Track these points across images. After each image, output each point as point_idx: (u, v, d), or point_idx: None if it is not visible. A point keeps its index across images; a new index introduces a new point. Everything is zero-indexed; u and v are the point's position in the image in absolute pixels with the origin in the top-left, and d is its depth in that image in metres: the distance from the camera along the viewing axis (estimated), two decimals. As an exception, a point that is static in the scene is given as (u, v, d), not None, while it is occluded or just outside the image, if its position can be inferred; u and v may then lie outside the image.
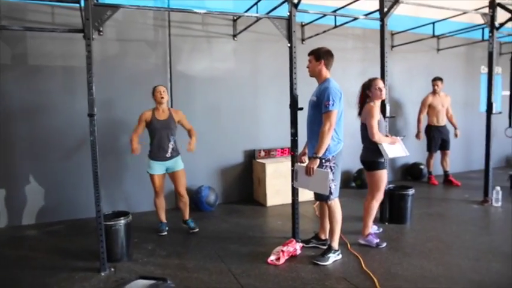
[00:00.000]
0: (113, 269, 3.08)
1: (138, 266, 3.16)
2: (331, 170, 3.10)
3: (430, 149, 5.91)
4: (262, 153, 5.24)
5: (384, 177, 3.51)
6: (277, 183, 4.89)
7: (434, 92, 5.84)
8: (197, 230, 3.98)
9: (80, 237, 3.88)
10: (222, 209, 4.89)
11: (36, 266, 3.19)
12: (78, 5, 3.12)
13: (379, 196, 3.54)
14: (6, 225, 4.28)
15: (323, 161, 3.08)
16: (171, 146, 3.81)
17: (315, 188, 3.15)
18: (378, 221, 4.06)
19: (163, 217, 4.03)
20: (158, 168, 3.83)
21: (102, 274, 3.00)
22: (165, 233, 3.94)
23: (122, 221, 3.29)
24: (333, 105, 2.96)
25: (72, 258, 3.34)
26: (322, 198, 3.24)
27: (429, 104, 5.83)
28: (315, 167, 3.02)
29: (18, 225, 4.30)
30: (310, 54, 3.22)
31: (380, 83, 3.47)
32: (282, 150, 5.33)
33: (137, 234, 3.77)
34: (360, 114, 3.57)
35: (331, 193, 3.11)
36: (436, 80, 5.81)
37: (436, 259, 3.15)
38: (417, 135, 5.87)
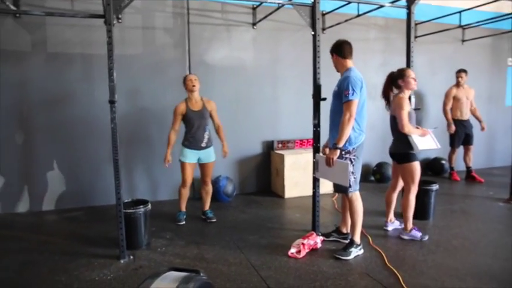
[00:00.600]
0: (131, 257, 3.08)
1: (157, 255, 3.14)
2: (351, 162, 3.04)
3: (453, 144, 5.73)
4: (281, 145, 5.16)
5: (417, 169, 3.39)
6: (296, 175, 4.82)
7: (458, 85, 5.65)
8: (215, 220, 3.96)
9: (99, 224, 3.90)
10: (240, 199, 4.84)
11: (57, 251, 3.21)
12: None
13: (415, 189, 3.44)
14: (28, 210, 4.33)
15: (343, 152, 3.02)
16: (206, 136, 3.80)
17: (335, 179, 3.12)
18: (400, 216, 3.94)
19: (183, 206, 3.99)
20: (191, 157, 3.80)
21: (122, 261, 3.00)
22: (183, 222, 3.90)
23: (141, 209, 3.28)
24: (352, 94, 2.89)
25: (92, 244, 3.35)
26: (342, 191, 3.17)
27: (453, 97, 5.65)
28: (335, 158, 2.97)
29: (38, 211, 4.34)
30: (330, 52, 3.20)
31: (413, 73, 3.40)
32: (301, 142, 5.24)
33: (155, 222, 3.76)
34: (388, 105, 3.49)
35: (350, 186, 3.05)
36: (460, 72, 5.62)
37: (462, 257, 3.04)
38: (449, 128, 5.64)
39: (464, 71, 5.62)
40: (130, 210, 3.23)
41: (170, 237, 3.54)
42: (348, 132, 2.93)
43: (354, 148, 3.04)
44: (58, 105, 4.34)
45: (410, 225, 3.47)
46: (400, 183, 3.61)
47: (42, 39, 4.24)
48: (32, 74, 4.23)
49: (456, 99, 5.64)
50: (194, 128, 3.75)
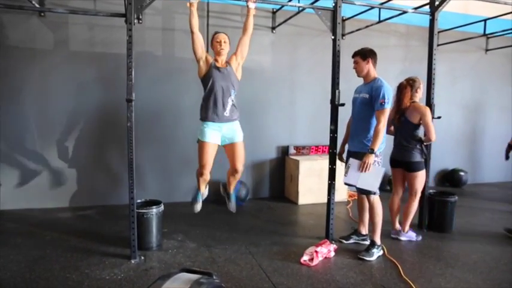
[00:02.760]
0: (142, 258, 3.06)
1: (168, 257, 3.12)
2: (379, 166, 3.15)
3: None
4: (296, 150, 5.11)
5: (425, 176, 3.55)
6: (310, 182, 4.74)
7: None
8: (234, 211, 3.43)
9: (112, 223, 3.90)
10: (253, 204, 4.79)
11: (69, 249, 3.21)
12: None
13: (419, 195, 3.57)
14: (42, 206, 4.36)
15: (374, 156, 3.09)
16: (230, 101, 3.10)
17: (364, 184, 3.12)
18: (416, 227, 3.84)
19: (203, 187, 3.29)
20: (213, 136, 3.07)
21: (132, 262, 2.97)
22: (200, 205, 3.26)
23: (154, 210, 3.26)
24: (387, 103, 3.02)
25: (104, 243, 3.34)
26: (366, 193, 3.21)
27: None
28: (372, 163, 3.03)
29: (53, 208, 4.37)
30: (355, 55, 3.23)
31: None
32: (317, 148, 5.17)
33: (168, 224, 3.73)
34: (401, 112, 3.49)
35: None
36: None
37: (483, 273, 2.92)
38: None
39: None
40: (143, 211, 3.22)
41: (182, 239, 3.52)
42: (381, 138, 3.05)
43: (381, 153, 3.16)
44: (76, 103, 4.39)
45: (407, 227, 3.60)
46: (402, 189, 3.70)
47: (64, 38, 4.31)
48: (53, 71, 4.30)
49: None
50: (215, 87, 3.05)
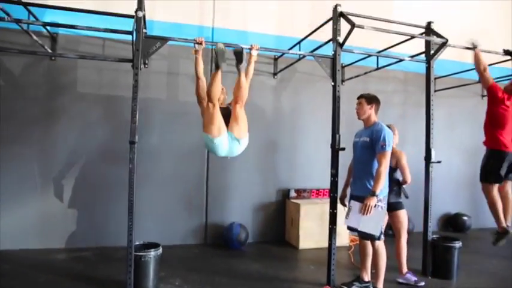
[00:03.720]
0: (138, 303, 2.96)
1: (164, 303, 3.02)
2: (381, 209, 3.12)
3: None
4: (297, 193, 5.08)
5: (406, 215, 3.65)
6: (311, 226, 4.67)
7: None
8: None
9: (107, 265, 3.81)
10: (253, 248, 4.69)
11: (62, 293, 3.12)
12: (130, 36, 3.23)
13: (405, 234, 3.63)
14: (38, 247, 4.28)
15: (376, 199, 3.07)
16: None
17: (366, 227, 3.09)
18: (420, 273, 3.74)
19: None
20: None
21: (127, 308, 2.88)
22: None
23: (152, 253, 3.20)
24: (388, 146, 3.08)
25: (98, 287, 3.25)
26: (367, 238, 3.20)
27: None
28: (373, 205, 3.03)
29: (49, 248, 4.28)
30: (360, 97, 3.33)
31: None
32: (317, 191, 5.15)
33: (165, 267, 3.64)
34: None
35: (382, 233, 3.13)
36: None
37: (491, 324, 2.81)
38: None
39: None
40: (141, 253, 3.16)
41: (179, 284, 3.42)
42: (383, 180, 3.07)
43: (384, 197, 3.15)
44: (79, 143, 4.44)
45: (405, 268, 3.59)
46: None
47: (73, 80, 4.45)
48: (59, 112, 4.39)
49: None
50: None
